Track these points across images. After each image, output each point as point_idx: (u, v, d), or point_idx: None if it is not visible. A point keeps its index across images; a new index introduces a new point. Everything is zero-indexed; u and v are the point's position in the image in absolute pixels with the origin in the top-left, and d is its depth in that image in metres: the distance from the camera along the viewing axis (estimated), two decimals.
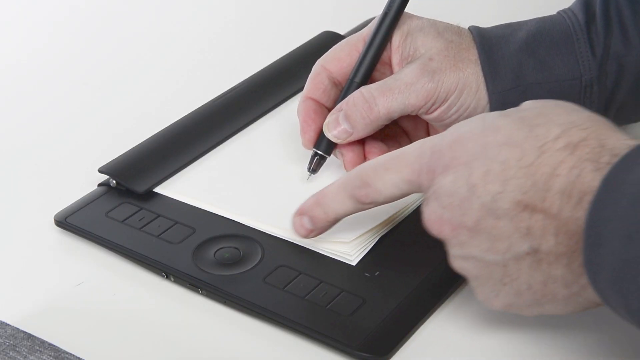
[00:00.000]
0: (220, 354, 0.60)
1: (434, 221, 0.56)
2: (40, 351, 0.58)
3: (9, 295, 0.65)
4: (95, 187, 0.73)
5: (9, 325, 0.60)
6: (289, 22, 1.01)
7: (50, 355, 0.58)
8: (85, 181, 0.74)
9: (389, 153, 0.60)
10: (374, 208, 0.68)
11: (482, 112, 0.68)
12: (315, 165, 0.71)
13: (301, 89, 0.82)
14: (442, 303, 0.63)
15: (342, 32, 0.92)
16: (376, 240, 0.66)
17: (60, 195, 0.73)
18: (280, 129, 0.79)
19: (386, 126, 0.71)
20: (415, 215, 0.69)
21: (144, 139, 0.77)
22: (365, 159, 0.71)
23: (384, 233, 0.67)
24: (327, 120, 0.70)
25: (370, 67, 0.70)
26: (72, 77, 0.92)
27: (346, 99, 0.69)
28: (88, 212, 0.70)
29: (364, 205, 0.61)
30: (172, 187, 0.73)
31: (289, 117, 0.80)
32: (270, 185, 0.72)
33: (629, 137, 0.52)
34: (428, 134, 0.75)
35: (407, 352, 0.59)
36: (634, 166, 0.49)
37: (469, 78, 0.67)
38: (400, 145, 0.73)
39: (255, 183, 0.73)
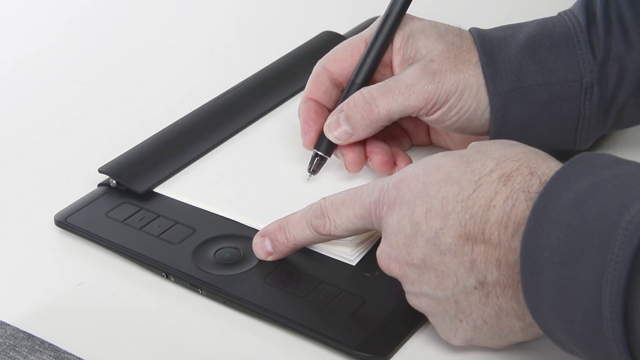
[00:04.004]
0: (220, 354, 0.60)
1: (383, 259, 0.58)
2: (40, 351, 0.58)
3: (9, 295, 0.65)
4: (95, 187, 0.73)
5: (9, 325, 0.60)
6: (289, 22, 1.01)
7: (50, 355, 0.58)
8: (85, 181, 0.74)
9: (349, 189, 0.61)
10: None
11: (483, 114, 0.68)
12: (315, 166, 0.71)
13: (301, 89, 0.82)
14: None
15: (342, 32, 0.92)
16: (376, 240, 0.66)
17: (60, 195, 0.73)
18: (280, 129, 0.79)
19: (388, 127, 0.71)
20: None
21: (144, 139, 0.77)
22: (366, 158, 0.71)
23: None
24: (327, 121, 0.70)
25: (372, 69, 0.70)
26: (72, 78, 0.92)
27: (347, 100, 0.69)
28: (88, 212, 0.70)
29: (321, 236, 0.62)
30: (172, 187, 0.73)
31: (289, 117, 0.80)
32: (270, 185, 0.72)
33: (560, 164, 0.53)
34: (429, 136, 0.75)
35: (407, 352, 0.59)
36: (560, 192, 0.50)
37: (469, 80, 0.67)
38: (402, 146, 0.74)
39: (255, 183, 0.73)
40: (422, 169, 0.57)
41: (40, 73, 0.93)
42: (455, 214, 0.54)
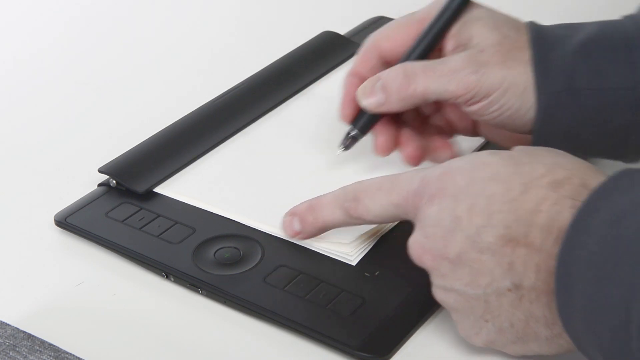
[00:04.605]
0: (220, 354, 0.60)
1: (416, 249, 0.57)
2: (40, 351, 0.58)
3: (9, 295, 0.65)
4: (95, 187, 0.73)
5: (9, 325, 0.60)
6: (289, 22, 1.01)
7: (50, 355, 0.58)
8: (85, 181, 0.74)
9: (385, 175, 0.60)
10: None
11: (526, 114, 0.65)
12: (349, 142, 0.71)
13: (301, 89, 0.83)
14: None
15: (342, 32, 0.92)
16: (376, 240, 0.66)
17: (60, 195, 0.73)
18: (280, 129, 0.79)
19: (431, 116, 0.70)
20: None
21: (144, 139, 0.77)
22: (397, 145, 0.70)
23: (384, 233, 0.67)
24: (362, 85, 0.69)
25: (427, 51, 0.68)
26: (73, 78, 0.92)
27: (388, 69, 0.67)
28: (88, 212, 0.70)
29: (352, 219, 0.62)
30: (172, 187, 0.73)
31: (289, 117, 0.80)
32: (270, 185, 0.72)
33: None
34: (474, 127, 0.72)
35: (407, 352, 0.59)
36: (599, 206, 0.49)
37: (516, 78, 0.64)
38: (443, 137, 0.72)
39: (255, 183, 0.73)
40: (469, 165, 0.56)
41: (40, 73, 0.93)
42: (500, 214, 0.53)
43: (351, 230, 0.66)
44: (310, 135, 0.78)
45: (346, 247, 0.65)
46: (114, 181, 0.72)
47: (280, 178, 0.73)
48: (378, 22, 0.95)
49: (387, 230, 0.67)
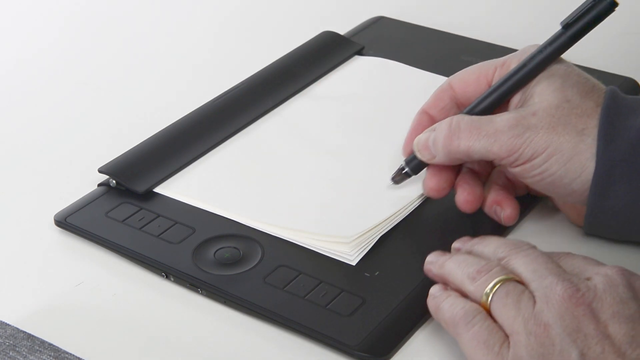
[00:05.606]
0: (220, 354, 0.60)
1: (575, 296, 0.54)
2: (40, 351, 0.58)
3: (9, 295, 0.65)
4: (95, 187, 0.73)
5: (8, 325, 0.60)
6: (289, 22, 1.01)
7: (50, 355, 0.58)
8: (85, 181, 0.74)
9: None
10: (374, 206, 0.69)
11: (571, 184, 0.62)
12: (398, 178, 0.70)
13: (301, 89, 0.83)
14: None
15: (342, 32, 0.92)
16: (376, 240, 0.66)
17: (60, 195, 0.73)
18: (280, 129, 0.79)
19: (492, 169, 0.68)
20: (416, 215, 0.69)
21: (144, 139, 0.77)
22: (450, 189, 0.68)
23: (384, 233, 0.67)
24: (419, 137, 0.68)
25: (494, 105, 0.66)
26: (72, 78, 0.92)
27: (440, 122, 0.66)
28: (88, 212, 0.70)
29: None
30: (172, 187, 0.73)
31: (289, 117, 0.80)
32: (270, 185, 0.72)
33: None
34: (529, 187, 0.69)
35: (407, 352, 0.59)
36: None
37: (562, 145, 0.61)
38: (506, 191, 0.68)
39: (255, 183, 0.73)
40: None
41: (40, 73, 0.93)
42: None
43: (351, 229, 0.66)
44: (311, 135, 0.78)
45: (346, 247, 0.65)
46: (114, 181, 0.72)
47: (280, 178, 0.73)
48: (378, 22, 0.95)
49: (387, 230, 0.67)
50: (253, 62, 0.87)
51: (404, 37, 0.93)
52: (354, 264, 0.65)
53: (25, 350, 0.58)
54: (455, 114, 0.68)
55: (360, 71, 0.87)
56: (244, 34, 0.99)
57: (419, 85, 0.82)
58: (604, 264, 0.56)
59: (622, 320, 0.52)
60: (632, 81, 0.83)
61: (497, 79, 0.67)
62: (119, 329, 0.62)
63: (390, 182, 0.70)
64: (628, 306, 0.52)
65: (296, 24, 0.99)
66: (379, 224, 0.67)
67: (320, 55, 0.88)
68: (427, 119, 0.69)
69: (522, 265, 0.56)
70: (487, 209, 0.68)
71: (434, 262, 0.61)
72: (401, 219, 0.68)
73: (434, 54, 0.90)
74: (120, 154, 0.75)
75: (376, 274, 0.64)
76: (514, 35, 0.92)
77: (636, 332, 0.51)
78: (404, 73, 0.86)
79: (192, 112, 0.80)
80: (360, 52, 0.89)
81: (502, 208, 0.67)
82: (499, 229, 0.67)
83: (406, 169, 0.69)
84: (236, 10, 1.04)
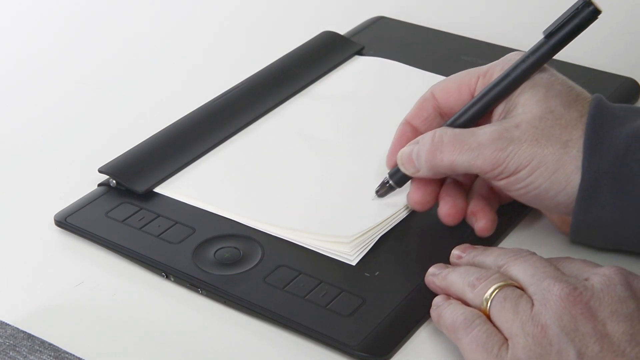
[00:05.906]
0: (220, 354, 0.60)
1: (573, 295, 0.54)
2: (40, 351, 0.58)
3: (9, 295, 0.65)
4: (95, 187, 0.73)
5: (9, 325, 0.60)
6: (289, 22, 1.01)
7: (50, 355, 0.58)
8: (85, 181, 0.74)
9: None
10: (374, 207, 0.69)
11: (555, 196, 0.61)
12: (383, 191, 0.69)
13: (301, 89, 0.83)
14: None
15: (342, 32, 0.92)
16: (376, 240, 0.66)
17: (60, 195, 0.73)
18: (280, 129, 0.79)
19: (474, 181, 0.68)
20: (416, 215, 0.69)
21: (144, 139, 0.77)
22: (435, 201, 0.67)
23: (383, 233, 0.67)
24: (402, 151, 0.67)
25: (477, 116, 0.65)
26: (72, 77, 0.92)
27: (423, 135, 0.65)
28: (88, 212, 0.70)
29: None
30: (172, 187, 0.73)
31: (289, 117, 0.80)
32: (270, 185, 0.72)
33: None
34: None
35: (407, 352, 0.59)
36: None
37: (547, 158, 0.60)
38: (486, 201, 0.68)
39: (255, 183, 0.73)
40: None
41: (39, 73, 0.93)
42: None
43: (351, 229, 0.66)
44: (311, 135, 0.78)
45: (346, 247, 0.65)
46: (114, 181, 0.72)
47: (280, 178, 0.73)
48: (378, 22, 0.95)
49: (387, 230, 0.67)
50: (253, 62, 0.87)
51: (404, 37, 0.93)
52: (354, 264, 0.65)
53: (25, 350, 0.58)
54: (439, 124, 0.67)
55: (360, 71, 0.87)
56: (244, 33, 0.99)
57: (419, 86, 0.81)
58: (603, 266, 0.56)
59: (620, 318, 0.52)
60: (632, 81, 0.83)
61: (480, 88, 0.66)
62: (119, 329, 0.62)
63: (374, 196, 0.69)
64: (626, 305, 0.52)
65: (296, 24, 0.99)
66: (379, 224, 0.67)
67: (320, 55, 0.88)
68: (410, 129, 0.68)
69: (520, 271, 0.57)
70: (467, 218, 0.67)
71: (437, 275, 0.61)
72: (401, 219, 0.68)
73: (434, 54, 0.90)
74: (120, 154, 0.75)
75: (376, 274, 0.64)
76: (514, 35, 0.92)
77: (635, 330, 0.51)
78: (404, 73, 0.86)
79: (192, 112, 0.80)
80: (360, 52, 0.89)
81: (477, 219, 0.66)
82: (498, 230, 0.67)
83: (390, 182, 0.68)
84: (236, 10, 1.04)
